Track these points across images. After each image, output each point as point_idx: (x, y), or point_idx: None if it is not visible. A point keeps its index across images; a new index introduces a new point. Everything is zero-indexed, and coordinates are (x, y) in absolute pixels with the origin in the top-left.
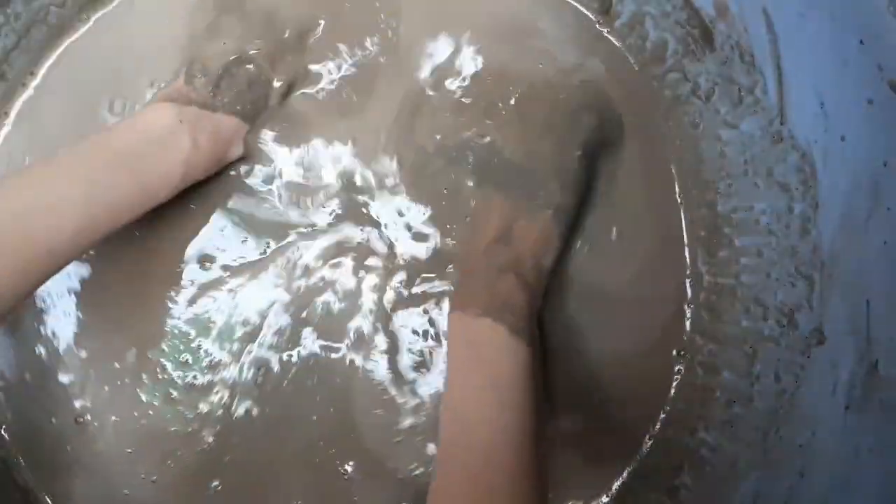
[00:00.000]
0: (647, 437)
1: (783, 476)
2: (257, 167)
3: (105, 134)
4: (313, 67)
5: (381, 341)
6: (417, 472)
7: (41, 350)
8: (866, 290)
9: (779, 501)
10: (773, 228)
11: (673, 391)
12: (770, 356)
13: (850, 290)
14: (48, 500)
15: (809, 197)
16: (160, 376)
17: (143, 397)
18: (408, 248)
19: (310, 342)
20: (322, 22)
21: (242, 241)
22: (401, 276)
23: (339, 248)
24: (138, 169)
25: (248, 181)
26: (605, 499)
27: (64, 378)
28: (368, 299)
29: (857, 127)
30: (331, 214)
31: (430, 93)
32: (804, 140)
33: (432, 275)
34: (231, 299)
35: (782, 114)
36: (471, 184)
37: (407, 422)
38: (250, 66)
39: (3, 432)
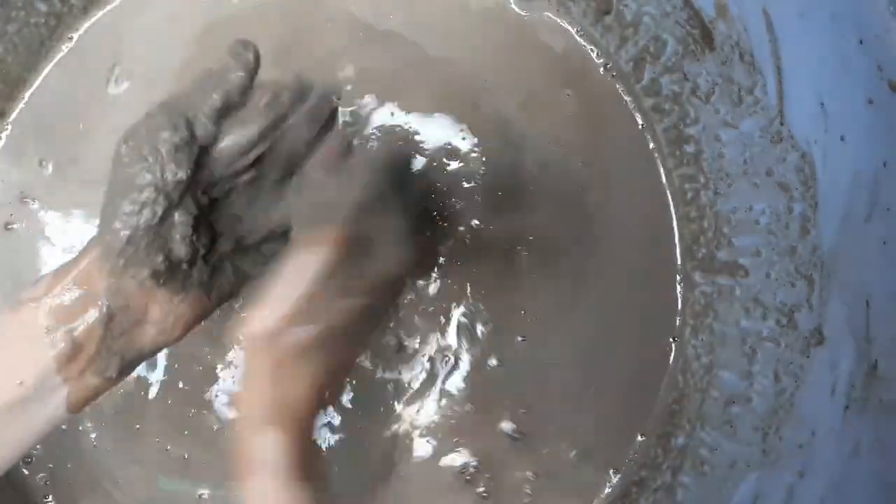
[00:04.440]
0: (646, 436)
1: (783, 476)
2: None
3: None
4: None
5: None
6: None
7: None
8: (866, 290)
9: (779, 501)
10: (773, 228)
11: (671, 391)
12: (769, 356)
13: (850, 290)
14: None
15: (809, 197)
16: None
17: None
18: None
19: None
20: None
21: None
22: None
23: None
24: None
25: None
26: (603, 499)
27: None
28: None
29: (857, 127)
30: None
31: None
32: (804, 140)
33: None
34: None
35: (782, 114)
36: None
37: None
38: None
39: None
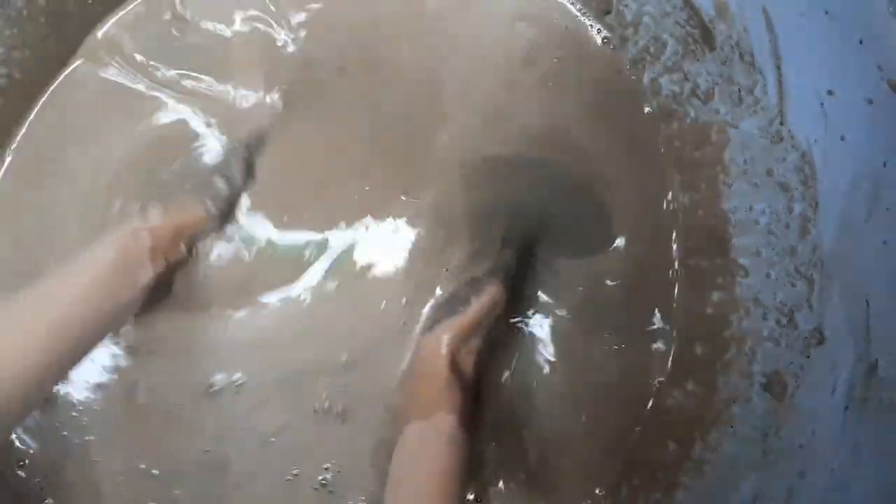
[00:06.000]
0: (646, 436)
1: (783, 476)
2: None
3: (61, 271)
4: None
5: None
6: None
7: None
8: (866, 290)
9: (779, 501)
10: (773, 228)
11: (672, 391)
12: (770, 356)
13: (850, 290)
14: None
15: (809, 197)
16: None
17: None
18: None
19: None
20: None
21: None
22: None
23: None
24: (97, 303)
25: None
26: (604, 499)
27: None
28: None
29: (857, 127)
30: None
31: None
32: (804, 140)
33: None
34: None
35: (782, 114)
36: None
37: None
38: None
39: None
